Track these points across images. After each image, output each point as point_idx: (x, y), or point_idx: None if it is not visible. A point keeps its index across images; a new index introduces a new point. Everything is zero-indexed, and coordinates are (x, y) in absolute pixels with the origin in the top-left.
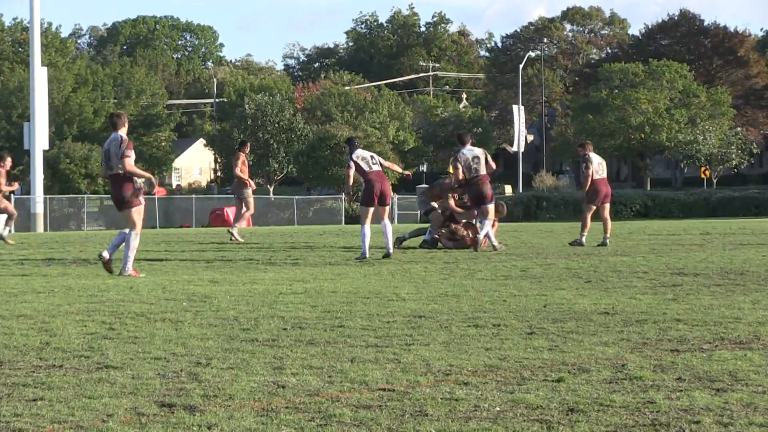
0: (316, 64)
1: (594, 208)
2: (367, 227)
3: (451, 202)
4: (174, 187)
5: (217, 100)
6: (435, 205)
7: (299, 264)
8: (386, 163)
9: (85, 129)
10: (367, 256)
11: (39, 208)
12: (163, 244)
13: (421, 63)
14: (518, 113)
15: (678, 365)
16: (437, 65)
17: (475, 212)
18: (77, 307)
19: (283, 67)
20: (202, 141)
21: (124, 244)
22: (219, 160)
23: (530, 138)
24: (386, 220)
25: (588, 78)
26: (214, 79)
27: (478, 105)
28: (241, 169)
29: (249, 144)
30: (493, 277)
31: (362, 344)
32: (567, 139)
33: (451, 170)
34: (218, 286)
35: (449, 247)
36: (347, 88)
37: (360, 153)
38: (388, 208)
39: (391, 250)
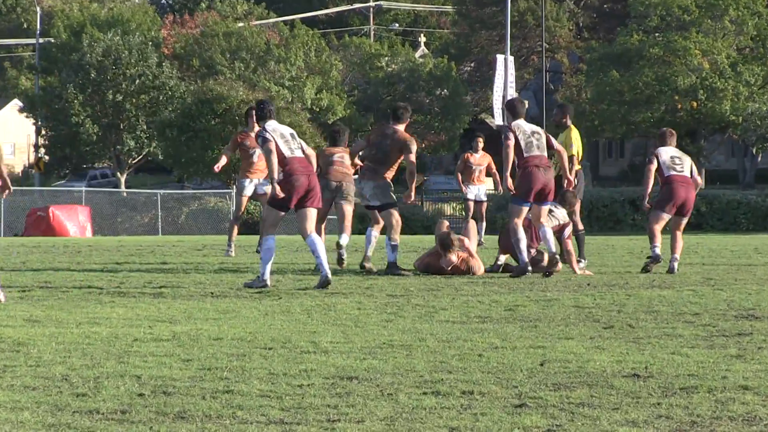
0: None
1: (665, 217)
2: (272, 239)
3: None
4: None
5: (41, 41)
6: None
7: (164, 295)
8: (308, 150)
9: None
10: (268, 282)
11: None
12: None
13: None
14: (505, 67)
15: None
16: None
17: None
18: None
19: None
20: (16, 103)
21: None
22: (44, 132)
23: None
24: (314, 234)
25: (612, 16)
26: (37, 9)
27: (443, 54)
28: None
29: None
30: (464, 319)
31: (260, 420)
32: (580, 106)
33: None
34: (39, 328)
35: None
36: (241, 24)
37: (275, 126)
38: (315, 213)
39: (328, 273)
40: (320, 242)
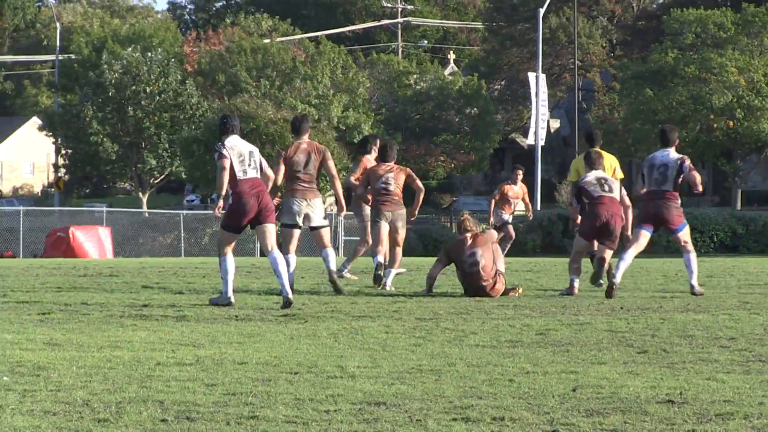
0: (219, 4)
1: None
2: (229, 258)
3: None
4: None
5: (61, 58)
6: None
7: (188, 318)
8: (268, 172)
9: None
10: (232, 300)
11: None
12: None
13: (384, 3)
14: (537, 86)
15: None
16: (410, 8)
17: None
18: None
19: (167, 7)
20: (35, 121)
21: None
22: (64, 151)
23: (555, 125)
24: (276, 251)
25: (646, 33)
26: (58, 25)
27: (473, 71)
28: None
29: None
30: (494, 344)
31: None
32: (612, 126)
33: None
34: (60, 352)
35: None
36: (267, 41)
37: (234, 143)
38: (273, 228)
39: (289, 294)
40: (282, 261)
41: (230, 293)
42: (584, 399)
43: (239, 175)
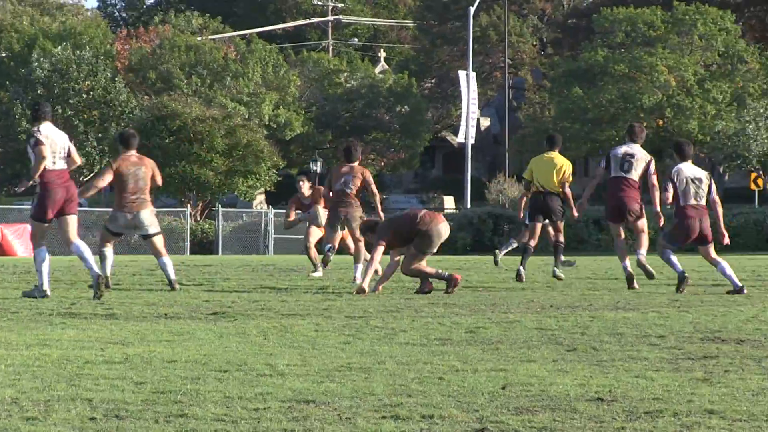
0: (150, 1)
1: None
2: (43, 250)
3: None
4: None
5: None
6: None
7: (116, 316)
8: (76, 159)
9: None
10: (48, 292)
11: None
12: None
13: (315, 2)
14: (467, 84)
15: None
16: (340, 6)
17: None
18: None
19: (97, 5)
20: None
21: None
22: None
23: (485, 123)
24: (77, 240)
25: (577, 31)
26: None
27: (403, 69)
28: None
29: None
30: (424, 342)
31: None
32: (543, 125)
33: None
34: None
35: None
36: (199, 39)
37: (48, 131)
38: (75, 219)
39: (99, 272)
40: (85, 247)
41: (46, 285)
42: (513, 397)
43: (48, 165)
